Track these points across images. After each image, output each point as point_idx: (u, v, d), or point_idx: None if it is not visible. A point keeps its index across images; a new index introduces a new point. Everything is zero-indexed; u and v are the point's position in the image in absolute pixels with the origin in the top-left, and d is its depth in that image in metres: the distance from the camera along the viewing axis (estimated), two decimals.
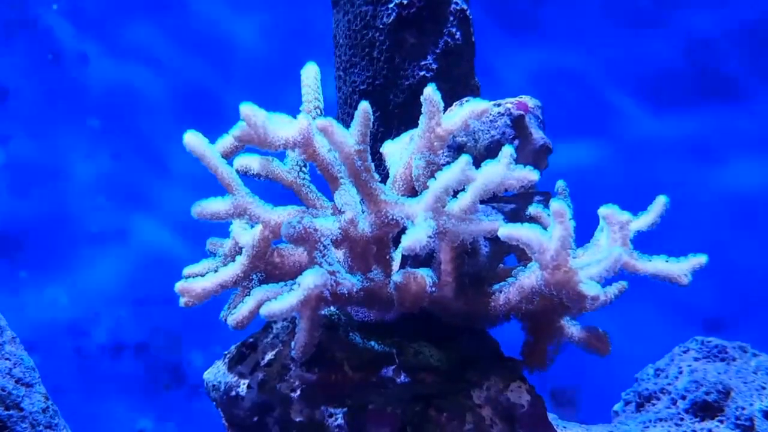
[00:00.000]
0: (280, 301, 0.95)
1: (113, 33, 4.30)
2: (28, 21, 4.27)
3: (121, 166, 4.26)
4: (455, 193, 1.00)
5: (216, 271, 1.07)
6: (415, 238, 0.94)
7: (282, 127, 1.03)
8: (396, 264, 1.11)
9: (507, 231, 0.97)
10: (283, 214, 1.06)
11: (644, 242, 1.06)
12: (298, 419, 1.04)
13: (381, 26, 1.26)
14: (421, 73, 1.25)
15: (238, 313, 1.02)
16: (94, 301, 4.12)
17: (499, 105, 1.12)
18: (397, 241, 1.05)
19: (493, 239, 1.04)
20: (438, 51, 1.26)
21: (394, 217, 1.02)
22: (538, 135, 1.11)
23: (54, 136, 4.28)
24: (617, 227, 1.03)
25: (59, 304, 4.11)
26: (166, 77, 4.28)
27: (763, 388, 1.37)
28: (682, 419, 1.38)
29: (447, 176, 0.98)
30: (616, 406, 1.53)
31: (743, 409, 1.35)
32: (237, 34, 4.27)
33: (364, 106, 1.02)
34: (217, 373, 1.11)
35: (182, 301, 1.05)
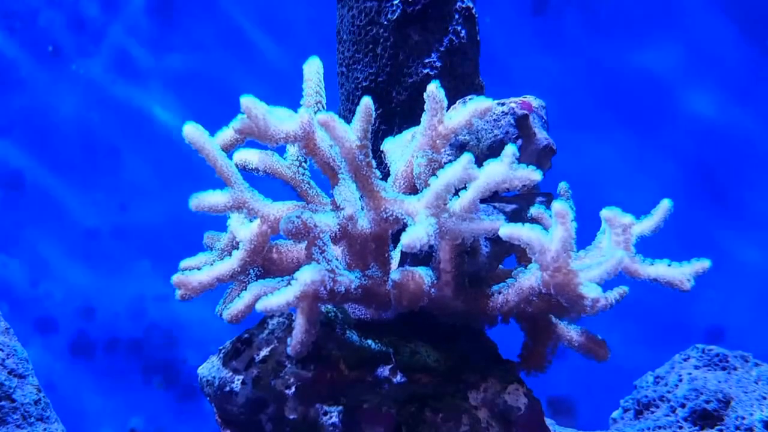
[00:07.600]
0: (276, 296, 0.94)
1: (113, 25, 4.30)
2: (28, 13, 4.27)
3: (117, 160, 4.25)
4: (456, 192, 0.98)
5: (212, 264, 1.06)
6: (416, 235, 0.93)
7: (283, 121, 1.02)
8: (395, 262, 1.09)
9: (508, 231, 0.96)
10: (282, 209, 1.05)
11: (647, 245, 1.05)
12: (292, 416, 1.03)
13: (385, 22, 1.25)
14: (425, 71, 1.24)
15: (233, 307, 1.01)
16: (88, 296, 4.11)
17: (503, 104, 1.11)
18: (396, 240, 1.04)
19: (494, 239, 1.03)
20: (442, 49, 1.24)
21: (394, 214, 1.01)
22: (541, 135, 1.10)
23: (52, 130, 4.27)
24: (620, 230, 1.02)
25: (54, 298, 4.10)
26: (169, 70, 4.28)
27: (764, 398, 1.36)
28: (681, 427, 1.37)
29: (449, 174, 0.97)
30: (615, 414, 1.51)
31: (743, 418, 1.33)
32: (240, 26, 4.27)
33: (366, 101, 1.01)
34: (211, 368, 1.10)
35: (178, 294, 1.04)
